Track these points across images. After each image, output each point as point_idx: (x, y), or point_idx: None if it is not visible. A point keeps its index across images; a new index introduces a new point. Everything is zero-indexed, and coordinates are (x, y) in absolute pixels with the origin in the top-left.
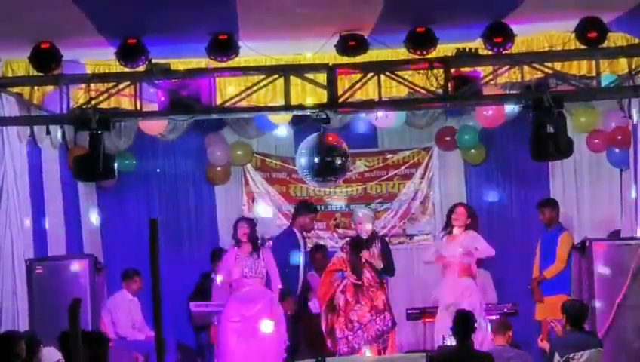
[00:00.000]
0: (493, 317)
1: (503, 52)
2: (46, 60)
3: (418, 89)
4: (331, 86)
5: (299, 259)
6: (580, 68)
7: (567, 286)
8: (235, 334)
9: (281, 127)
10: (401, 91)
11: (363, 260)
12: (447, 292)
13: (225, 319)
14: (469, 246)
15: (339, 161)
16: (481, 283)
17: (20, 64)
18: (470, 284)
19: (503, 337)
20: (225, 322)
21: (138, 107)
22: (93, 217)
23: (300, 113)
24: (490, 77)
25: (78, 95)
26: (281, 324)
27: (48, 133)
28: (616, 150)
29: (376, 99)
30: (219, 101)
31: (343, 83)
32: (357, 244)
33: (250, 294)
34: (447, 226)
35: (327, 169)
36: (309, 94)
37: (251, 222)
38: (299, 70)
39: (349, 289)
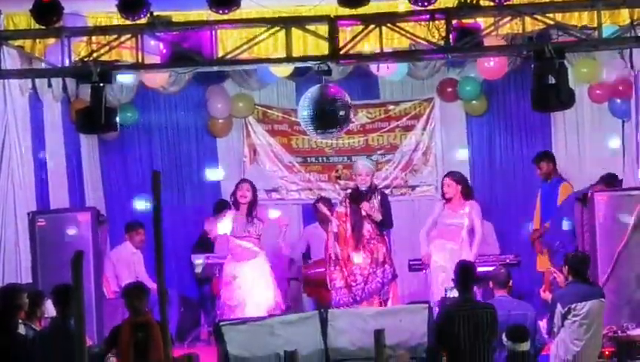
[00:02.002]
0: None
1: (505, 3)
2: (47, 13)
3: (420, 40)
4: (333, 38)
5: None
6: (581, 19)
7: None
8: (233, 291)
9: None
10: (402, 43)
11: (363, 212)
12: (439, 256)
13: (224, 277)
14: (472, 222)
15: (341, 113)
16: (482, 234)
17: (21, 17)
18: (458, 249)
19: (504, 288)
20: (224, 279)
21: (140, 59)
22: None
23: (301, 65)
24: (492, 28)
25: (80, 48)
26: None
27: (50, 86)
28: (618, 101)
29: (378, 50)
30: (220, 53)
31: (345, 35)
32: (356, 197)
33: (244, 254)
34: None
35: (328, 120)
36: (310, 46)
37: (252, 185)
38: (300, 22)
39: (350, 242)
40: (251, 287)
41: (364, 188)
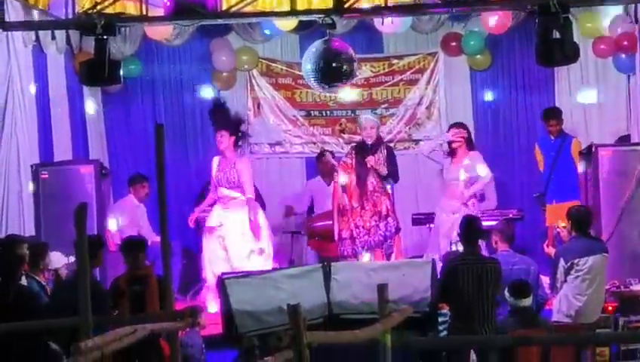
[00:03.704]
0: (497, 223)
1: None
2: None
3: None
4: None
5: None
6: None
7: (577, 193)
8: (216, 240)
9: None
10: None
11: (369, 165)
12: (444, 209)
13: (206, 227)
14: (471, 173)
15: (345, 66)
16: (481, 188)
17: None
18: (460, 209)
19: (507, 243)
20: (206, 229)
21: (144, 12)
22: None
23: (305, 18)
24: None
25: (84, 0)
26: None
27: (53, 38)
28: (623, 56)
29: (382, 4)
30: (225, 6)
31: None
32: (362, 150)
33: (227, 203)
34: (449, 147)
35: (333, 74)
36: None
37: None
38: None
39: (355, 194)
40: (237, 235)
41: (370, 142)
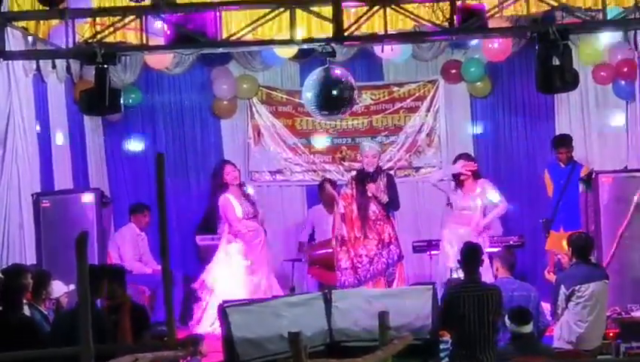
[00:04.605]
0: (498, 250)
1: None
2: None
3: (424, 22)
4: (337, 19)
5: None
6: (585, 0)
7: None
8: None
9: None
10: (407, 24)
11: (369, 194)
12: (451, 240)
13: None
14: (484, 201)
15: (345, 94)
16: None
17: None
18: (474, 237)
19: (508, 269)
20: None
21: (144, 41)
22: None
23: (305, 47)
24: (496, 9)
25: (84, 29)
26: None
27: (54, 67)
28: (622, 82)
29: (382, 32)
30: (225, 35)
31: (349, 16)
32: (362, 178)
33: (252, 236)
34: (456, 178)
35: (333, 102)
36: (315, 27)
37: (235, 165)
38: (304, 3)
39: (356, 224)
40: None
41: (370, 170)
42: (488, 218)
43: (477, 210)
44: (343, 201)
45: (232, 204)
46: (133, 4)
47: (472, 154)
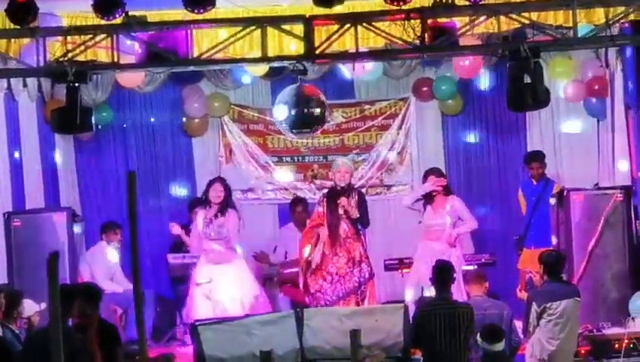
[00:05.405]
0: (471, 268)
1: (480, 2)
2: (22, 13)
3: (395, 40)
4: (308, 37)
5: None
6: (556, 18)
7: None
8: (204, 296)
9: (246, 76)
10: (378, 42)
11: (340, 211)
12: (424, 258)
13: (192, 281)
14: (454, 218)
15: (316, 112)
16: (467, 231)
17: None
18: (448, 250)
19: (480, 287)
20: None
21: (115, 59)
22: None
23: (277, 65)
24: (467, 27)
25: (55, 47)
26: (249, 283)
27: (25, 85)
28: (594, 100)
29: (353, 50)
30: (196, 53)
31: (320, 34)
32: (334, 194)
33: (218, 257)
34: (426, 196)
35: (304, 120)
36: (285, 46)
37: (226, 184)
38: (275, 21)
39: (327, 242)
40: (230, 287)
41: (342, 185)
42: (458, 230)
43: (446, 226)
44: (316, 220)
45: (198, 218)
46: (104, 22)
47: (444, 171)
